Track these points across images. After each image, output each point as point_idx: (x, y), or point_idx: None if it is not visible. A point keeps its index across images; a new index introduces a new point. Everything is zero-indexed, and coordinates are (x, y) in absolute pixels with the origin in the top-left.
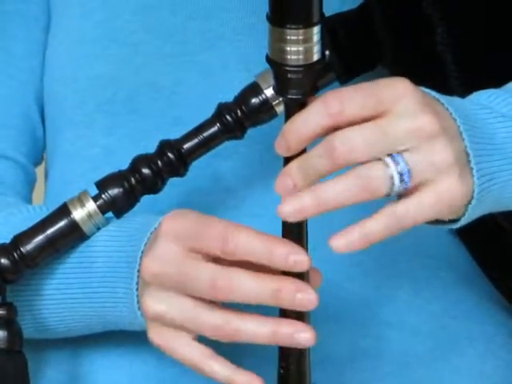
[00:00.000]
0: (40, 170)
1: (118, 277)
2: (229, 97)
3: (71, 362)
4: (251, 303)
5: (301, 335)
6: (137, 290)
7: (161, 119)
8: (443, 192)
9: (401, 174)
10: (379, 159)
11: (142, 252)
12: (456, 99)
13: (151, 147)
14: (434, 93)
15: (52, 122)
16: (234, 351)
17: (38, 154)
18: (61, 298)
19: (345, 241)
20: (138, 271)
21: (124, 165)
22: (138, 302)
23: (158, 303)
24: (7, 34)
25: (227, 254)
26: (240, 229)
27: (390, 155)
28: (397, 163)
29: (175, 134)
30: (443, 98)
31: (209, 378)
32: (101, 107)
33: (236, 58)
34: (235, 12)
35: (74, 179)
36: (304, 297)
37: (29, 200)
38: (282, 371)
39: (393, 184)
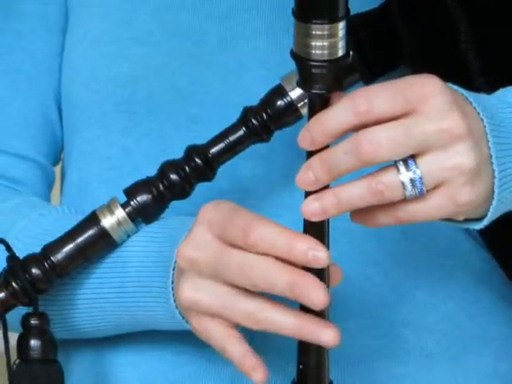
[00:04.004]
0: (56, 170)
1: (153, 276)
2: (248, 96)
3: (91, 359)
4: (274, 293)
5: (324, 335)
6: (172, 289)
7: (179, 119)
8: (454, 195)
9: (412, 181)
10: (395, 164)
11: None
12: (483, 96)
13: (170, 147)
14: (462, 90)
15: (69, 122)
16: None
17: (57, 153)
18: (93, 298)
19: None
20: (173, 269)
21: (142, 165)
22: (175, 300)
23: (194, 291)
24: (29, 36)
25: (249, 246)
26: (263, 222)
27: (404, 160)
28: (409, 169)
29: (194, 134)
30: (471, 96)
31: (225, 377)
32: (119, 107)
33: (254, 58)
34: (253, 11)
35: (92, 179)
36: (315, 293)
37: (48, 200)
38: (301, 367)
39: (405, 190)
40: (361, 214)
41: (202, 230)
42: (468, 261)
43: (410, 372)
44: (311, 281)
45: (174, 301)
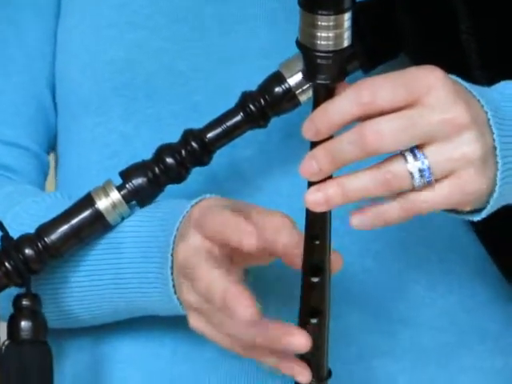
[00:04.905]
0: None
1: (149, 262)
2: (248, 84)
3: (89, 356)
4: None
5: (293, 341)
6: (172, 273)
7: (178, 105)
8: (462, 184)
9: (421, 170)
10: (402, 154)
11: (175, 236)
12: (486, 90)
13: (169, 133)
14: (465, 83)
15: (66, 108)
16: None
17: (51, 141)
18: (88, 285)
19: (359, 218)
20: (172, 255)
21: (142, 151)
22: (174, 285)
23: (189, 293)
24: (20, 22)
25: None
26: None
27: (411, 150)
28: (417, 159)
29: (193, 121)
30: (475, 89)
31: (223, 374)
32: (117, 92)
33: (254, 45)
34: None
35: (90, 166)
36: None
37: (43, 188)
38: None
39: (413, 179)
40: (366, 214)
41: (193, 234)
42: (467, 255)
43: (406, 369)
44: (238, 294)
45: (173, 286)
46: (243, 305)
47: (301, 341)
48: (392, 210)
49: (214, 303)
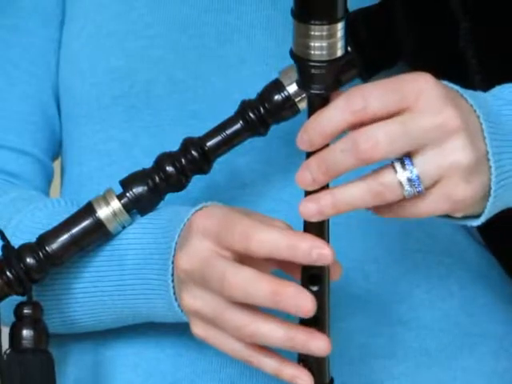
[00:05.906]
0: (55, 165)
1: (151, 269)
2: (247, 91)
3: (91, 359)
4: (255, 304)
5: (314, 343)
6: (172, 281)
7: (177, 113)
8: (449, 192)
9: (410, 180)
10: (391, 164)
11: (176, 243)
12: (479, 94)
13: (168, 140)
14: (456, 87)
15: (68, 116)
16: None
17: (56, 148)
18: (92, 291)
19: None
20: (173, 262)
21: (141, 159)
22: (175, 293)
23: (193, 299)
24: (26, 31)
25: (251, 252)
26: (263, 227)
27: (400, 160)
28: (406, 169)
29: (192, 128)
30: (466, 93)
31: (224, 378)
32: (117, 100)
33: (252, 52)
34: (252, 5)
35: (91, 174)
36: (301, 303)
37: (47, 195)
38: (301, 364)
39: (403, 189)
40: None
41: (196, 239)
42: (466, 258)
43: (409, 371)
44: (295, 289)
45: (174, 293)
46: (305, 299)
47: (323, 345)
48: (384, 214)
49: (256, 299)
